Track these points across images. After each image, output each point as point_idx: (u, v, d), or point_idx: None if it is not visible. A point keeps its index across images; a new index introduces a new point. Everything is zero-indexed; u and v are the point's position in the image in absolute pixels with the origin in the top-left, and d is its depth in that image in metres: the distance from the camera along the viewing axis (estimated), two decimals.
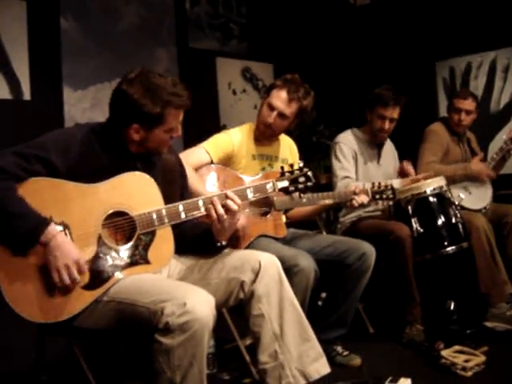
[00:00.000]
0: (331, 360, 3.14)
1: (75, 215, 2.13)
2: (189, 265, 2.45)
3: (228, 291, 2.32)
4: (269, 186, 2.47)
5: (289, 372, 2.31)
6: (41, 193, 2.10)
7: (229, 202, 2.32)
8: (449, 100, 4.38)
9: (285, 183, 2.50)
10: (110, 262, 2.17)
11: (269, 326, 2.31)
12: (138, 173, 2.29)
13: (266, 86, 3.35)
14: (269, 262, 2.35)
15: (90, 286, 2.13)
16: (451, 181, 3.87)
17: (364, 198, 3.16)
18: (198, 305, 1.98)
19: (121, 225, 2.22)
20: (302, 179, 2.51)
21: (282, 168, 2.54)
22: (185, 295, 2.00)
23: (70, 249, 2.06)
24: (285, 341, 2.32)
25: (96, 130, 2.31)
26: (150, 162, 2.40)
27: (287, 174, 2.52)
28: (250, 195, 2.43)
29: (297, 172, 2.52)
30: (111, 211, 2.20)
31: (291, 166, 2.54)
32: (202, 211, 2.32)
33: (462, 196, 3.96)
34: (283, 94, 3.13)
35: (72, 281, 2.06)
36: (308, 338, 2.38)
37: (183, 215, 2.29)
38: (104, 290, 2.15)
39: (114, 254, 2.19)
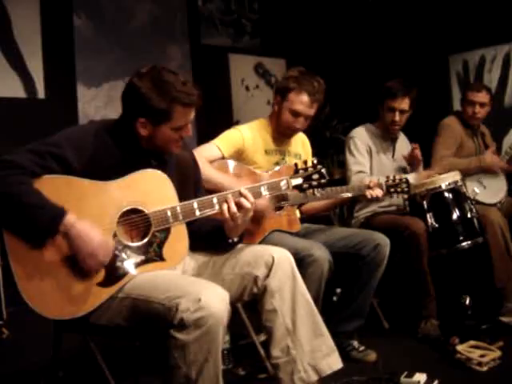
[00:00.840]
0: (347, 355, 3.14)
1: (90, 212, 2.13)
2: (202, 261, 2.46)
3: (242, 286, 2.34)
4: (283, 184, 2.47)
5: (301, 367, 2.32)
6: (56, 190, 2.10)
7: (242, 200, 2.32)
8: (462, 93, 4.36)
9: (299, 180, 2.50)
10: (125, 258, 2.18)
11: (281, 320, 2.32)
12: (152, 170, 2.29)
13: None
14: (282, 257, 2.36)
15: (105, 283, 2.14)
16: (465, 174, 3.85)
17: (378, 192, 3.16)
18: (212, 300, 1.99)
19: (136, 222, 2.23)
20: (315, 176, 2.51)
21: (296, 165, 2.54)
22: (199, 291, 2.01)
23: (90, 235, 2.07)
24: (297, 335, 2.33)
25: (109, 127, 2.31)
26: (164, 159, 2.40)
27: (301, 171, 2.51)
28: (264, 192, 2.43)
29: (311, 169, 2.51)
30: (126, 208, 2.20)
31: (305, 162, 2.54)
32: (217, 209, 2.32)
33: (476, 190, 3.94)
34: (304, 97, 3.12)
35: (100, 266, 2.09)
36: (321, 333, 2.38)
37: (198, 212, 2.29)
38: (119, 286, 2.16)
39: (128, 251, 2.19)
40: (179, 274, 2.32)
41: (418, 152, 3.78)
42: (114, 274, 2.15)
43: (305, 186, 2.52)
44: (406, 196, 3.30)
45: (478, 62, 5.60)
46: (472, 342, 3.13)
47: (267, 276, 2.32)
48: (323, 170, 2.53)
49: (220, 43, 5.66)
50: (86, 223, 2.08)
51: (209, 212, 2.32)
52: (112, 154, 2.25)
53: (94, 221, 2.13)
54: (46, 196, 2.06)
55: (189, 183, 2.50)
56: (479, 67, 5.59)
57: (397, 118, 3.76)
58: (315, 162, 2.53)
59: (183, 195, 2.35)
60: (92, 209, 2.14)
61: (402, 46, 5.87)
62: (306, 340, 2.34)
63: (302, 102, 3.14)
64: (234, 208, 2.31)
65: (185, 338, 1.98)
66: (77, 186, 2.14)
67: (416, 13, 5.80)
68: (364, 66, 6.05)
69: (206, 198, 2.33)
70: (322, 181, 2.52)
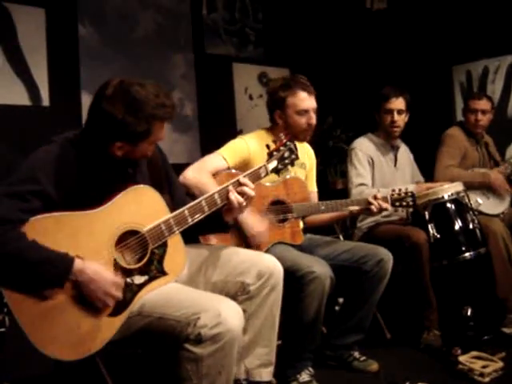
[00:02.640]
0: (348, 365, 3.14)
1: (87, 246, 2.09)
2: (195, 268, 2.46)
3: (232, 293, 2.36)
4: (262, 171, 2.51)
5: (239, 367, 2.39)
6: (47, 232, 2.04)
7: (245, 189, 2.36)
8: (464, 102, 4.37)
9: (274, 163, 2.54)
10: (130, 283, 2.17)
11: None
12: (135, 187, 2.23)
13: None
14: (275, 270, 2.41)
15: (115, 313, 2.13)
16: (469, 187, 3.86)
17: (385, 205, 3.15)
18: (230, 316, 2.02)
19: (133, 244, 2.20)
20: (286, 154, 2.55)
21: (268, 147, 2.57)
22: (217, 307, 2.03)
23: (102, 275, 2.06)
24: (248, 337, 2.39)
25: (77, 144, 2.21)
26: (138, 164, 2.36)
27: (275, 153, 2.54)
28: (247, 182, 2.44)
29: (282, 148, 2.55)
30: (121, 233, 2.17)
31: (274, 142, 2.60)
32: (206, 211, 2.32)
33: (479, 201, 3.94)
34: (301, 94, 3.17)
35: (114, 302, 2.09)
36: (269, 346, 2.44)
37: (190, 219, 2.28)
38: (130, 311, 2.15)
39: (132, 274, 2.19)
40: (191, 289, 2.30)
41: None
42: (122, 301, 2.14)
43: (280, 167, 2.55)
44: (411, 210, 3.30)
45: (481, 73, 5.59)
46: (474, 353, 3.14)
47: (255, 284, 2.35)
48: (292, 146, 2.56)
49: (224, 52, 5.67)
50: (94, 264, 2.06)
51: (200, 216, 2.31)
52: (89, 175, 2.19)
53: (91, 255, 2.09)
54: (43, 246, 2.00)
55: (159, 172, 2.47)
56: (482, 78, 5.59)
57: (395, 117, 3.80)
58: (283, 139, 2.57)
59: (157, 184, 2.34)
60: (87, 242, 2.10)
61: (405, 56, 5.88)
62: (254, 344, 2.40)
63: (302, 99, 3.17)
64: (240, 197, 2.34)
65: (200, 351, 1.99)
66: (66, 221, 2.08)
67: (420, 23, 5.81)
68: (367, 75, 6.05)
69: (194, 203, 2.32)
70: (293, 156, 2.56)
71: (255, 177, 2.48)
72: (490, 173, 4.10)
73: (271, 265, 2.41)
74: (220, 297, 2.18)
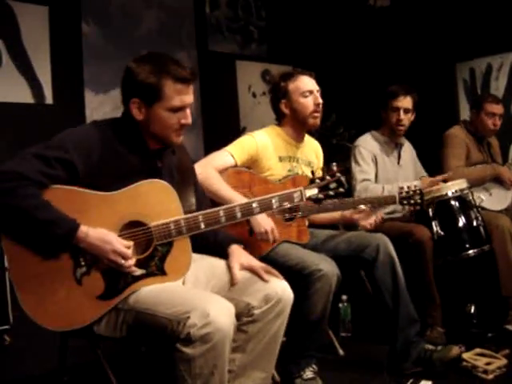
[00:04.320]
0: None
1: (92, 225, 2.08)
2: (201, 278, 2.38)
3: (236, 312, 2.23)
4: (296, 195, 2.38)
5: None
6: (58, 203, 2.05)
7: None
8: (476, 103, 4.31)
9: (314, 191, 2.38)
10: (126, 272, 2.14)
11: (239, 356, 2.29)
12: (157, 181, 2.22)
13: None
14: (285, 295, 2.31)
15: (104, 296, 2.12)
16: (480, 182, 3.86)
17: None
18: (219, 316, 1.98)
19: (137, 235, 2.18)
20: (333, 185, 2.37)
21: (313, 173, 2.49)
22: (207, 306, 1.99)
23: (106, 238, 2.07)
24: (246, 359, 2.30)
25: (114, 127, 2.25)
26: (168, 162, 2.36)
27: (317, 181, 2.39)
28: (276, 205, 2.36)
29: (328, 178, 2.38)
30: (128, 221, 2.16)
31: (323, 170, 2.46)
32: (223, 222, 2.26)
33: (482, 197, 3.93)
34: (304, 78, 3.17)
35: (128, 259, 2.08)
36: (266, 371, 2.35)
37: (203, 226, 2.23)
38: (119, 300, 2.14)
39: None
40: (184, 287, 2.28)
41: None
42: (114, 287, 2.13)
43: (320, 196, 2.39)
44: (418, 208, 3.26)
45: (484, 70, 5.59)
46: (478, 350, 3.13)
47: (260, 308, 2.26)
48: (342, 179, 2.38)
49: (227, 50, 5.68)
50: (98, 229, 2.07)
51: (215, 227, 2.27)
52: (119, 159, 2.19)
53: None
54: (55, 208, 2.03)
55: (189, 185, 2.45)
56: (486, 75, 5.58)
57: (402, 116, 3.79)
58: (334, 168, 2.41)
59: (184, 196, 2.33)
60: (94, 221, 2.09)
61: (408, 53, 5.87)
62: (251, 367, 2.31)
63: (304, 82, 3.17)
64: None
65: (191, 352, 1.97)
66: (79, 198, 2.10)
67: (423, 21, 5.80)
68: (370, 73, 6.05)
69: (211, 210, 2.27)
70: (340, 189, 2.38)
71: (288, 199, 2.38)
72: (498, 166, 4.12)
73: (280, 290, 2.29)
74: (212, 295, 2.13)
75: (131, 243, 2.12)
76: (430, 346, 3.12)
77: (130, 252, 2.09)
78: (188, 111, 2.24)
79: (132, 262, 2.11)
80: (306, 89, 3.15)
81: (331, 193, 2.37)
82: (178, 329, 1.98)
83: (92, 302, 2.10)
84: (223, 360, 2.02)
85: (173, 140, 2.27)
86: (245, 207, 2.30)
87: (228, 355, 2.05)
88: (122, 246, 2.08)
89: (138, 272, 2.16)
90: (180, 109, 2.20)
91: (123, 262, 2.08)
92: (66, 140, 2.13)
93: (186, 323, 1.96)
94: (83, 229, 2.04)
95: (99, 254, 2.07)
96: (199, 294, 2.19)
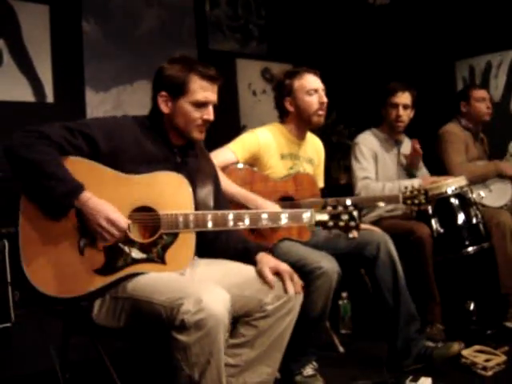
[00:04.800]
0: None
1: (105, 199, 2.15)
2: (217, 277, 2.39)
3: (247, 309, 2.32)
4: (305, 216, 2.44)
5: (239, 377, 2.34)
6: (77, 173, 2.13)
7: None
8: (463, 95, 4.34)
9: (324, 216, 2.43)
10: (127, 252, 2.20)
11: (246, 351, 2.33)
12: (175, 173, 2.31)
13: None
14: (297, 299, 2.39)
15: (102, 271, 2.17)
16: (484, 179, 3.88)
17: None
18: (213, 302, 2.01)
19: (146, 220, 2.25)
20: (345, 217, 2.42)
21: (326, 202, 2.51)
22: (200, 292, 2.02)
23: (105, 205, 2.12)
24: (253, 354, 2.34)
25: (140, 120, 2.40)
26: (188, 161, 2.45)
27: (329, 208, 2.45)
28: (284, 221, 2.42)
29: (340, 208, 2.43)
30: (140, 205, 2.23)
31: (337, 200, 2.48)
32: (231, 225, 2.33)
33: (482, 194, 3.95)
34: (309, 76, 3.21)
35: (119, 230, 2.12)
36: (271, 366, 2.39)
37: (210, 224, 2.30)
38: (114, 278, 2.18)
39: (132, 246, 2.21)
40: (181, 277, 2.31)
41: (418, 147, 3.80)
42: (113, 263, 2.18)
43: (330, 224, 2.44)
44: (423, 208, 3.23)
45: (484, 68, 5.59)
46: (477, 347, 3.15)
47: (273, 304, 2.32)
48: (355, 213, 2.42)
49: (227, 48, 5.68)
50: (101, 200, 2.12)
51: (222, 228, 2.34)
52: (140, 145, 2.30)
53: None
54: (65, 167, 2.11)
55: (208, 190, 2.51)
56: (485, 73, 5.58)
57: (401, 112, 3.82)
58: (348, 203, 2.44)
59: (200, 201, 2.41)
60: (107, 198, 2.16)
61: (408, 51, 5.88)
62: (258, 361, 2.35)
63: (309, 80, 3.20)
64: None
65: (186, 339, 1.99)
66: (98, 172, 2.19)
67: (422, 19, 5.80)
68: (370, 71, 6.06)
69: (220, 212, 2.34)
70: (352, 223, 2.43)
71: (296, 218, 2.44)
72: (500, 162, 4.15)
73: (291, 289, 2.36)
74: (207, 284, 2.16)
75: (130, 221, 2.17)
76: (431, 343, 3.13)
77: (124, 224, 2.12)
78: (211, 108, 2.38)
79: (121, 234, 2.14)
80: (312, 87, 3.17)
81: (341, 223, 2.42)
82: (173, 315, 2.01)
83: (89, 274, 2.15)
84: (218, 347, 2.03)
85: (194, 135, 2.40)
86: (254, 216, 2.38)
87: (223, 343, 2.06)
88: (117, 215, 2.12)
89: (139, 255, 2.21)
90: (203, 104, 2.36)
91: (113, 230, 2.11)
92: (91, 121, 2.35)
93: (179, 309, 1.99)
94: (87, 193, 2.10)
95: (93, 219, 2.10)
96: (195, 282, 2.23)
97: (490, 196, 4.04)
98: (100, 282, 2.17)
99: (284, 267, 2.40)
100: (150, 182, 2.26)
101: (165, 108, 2.35)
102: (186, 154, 2.45)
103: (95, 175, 2.18)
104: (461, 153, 4.12)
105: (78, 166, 2.16)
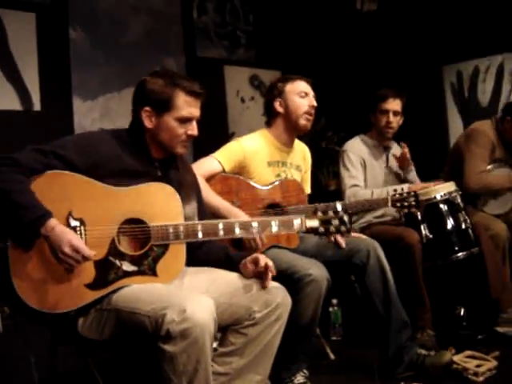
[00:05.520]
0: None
1: (94, 214, 2.16)
2: (204, 287, 2.37)
3: (236, 317, 2.30)
4: (296, 223, 2.44)
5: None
6: (66, 187, 2.14)
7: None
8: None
9: (315, 223, 2.44)
10: (118, 266, 2.19)
11: (236, 359, 2.31)
12: (164, 184, 2.30)
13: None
14: (285, 304, 2.37)
15: (92, 286, 2.15)
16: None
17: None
18: (197, 310, 1.99)
19: (136, 232, 2.24)
20: (334, 222, 2.43)
21: (316, 206, 2.50)
22: (184, 301, 2.01)
23: (67, 236, 2.07)
24: (242, 362, 2.32)
25: (120, 134, 2.37)
26: (169, 174, 2.42)
27: (319, 214, 2.45)
28: (275, 228, 2.42)
29: (330, 213, 2.44)
30: (129, 217, 2.22)
31: (327, 206, 2.48)
32: (221, 235, 2.33)
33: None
34: (300, 82, 3.22)
35: (76, 261, 2.08)
36: (260, 374, 2.37)
37: (200, 235, 2.30)
38: (106, 292, 2.17)
39: (123, 259, 2.20)
40: (164, 286, 2.28)
41: (406, 151, 3.80)
42: (103, 278, 2.17)
43: (321, 229, 2.45)
44: (413, 210, 3.20)
45: (471, 73, 5.62)
46: (468, 352, 3.14)
47: (261, 312, 2.30)
48: (345, 218, 2.43)
49: (215, 55, 5.68)
50: (66, 229, 2.10)
51: (212, 238, 2.34)
52: (120, 160, 2.28)
53: (95, 223, 2.17)
54: (34, 195, 2.08)
55: (191, 201, 2.48)
56: (473, 78, 5.61)
57: (391, 118, 3.81)
58: (339, 208, 2.45)
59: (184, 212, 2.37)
60: (96, 211, 2.17)
61: (395, 56, 5.91)
62: (248, 369, 2.33)
63: (301, 85, 3.21)
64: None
65: (172, 349, 1.98)
66: (87, 186, 2.18)
67: (410, 24, 5.83)
68: (358, 76, 6.08)
69: (210, 222, 2.35)
70: (342, 228, 2.44)
71: (287, 225, 2.44)
72: None
73: (280, 295, 2.36)
74: (190, 293, 2.15)
75: (94, 252, 2.12)
76: (423, 351, 3.12)
77: (87, 250, 2.08)
78: (195, 124, 2.37)
79: (85, 261, 2.10)
80: (303, 90, 3.19)
81: (332, 229, 2.43)
82: (158, 325, 2.00)
83: (79, 289, 2.14)
84: (206, 355, 2.02)
85: (178, 150, 2.39)
86: (244, 225, 2.38)
87: (210, 350, 2.05)
88: (81, 243, 2.09)
89: (130, 268, 2.20)
90: (188, 120, 2.35)
91: (78, 256, 2.07)
92: (65, 141, 2.26)
93: (164, 319, 1.98)
94: (54, 221, 2.08)
95: (57, 246, 2.06)
96: (178, 291, 2.22)
97: (492, 203, 4.01)
98: (91, 296, 2.15)
99: (263, 259, 2.37)
100: (140, 193, 2.24)
101: (148, 123, 2.32)
102: (167, 166, 2.43)
103: (84, 188, 2.17)
104: (484, 159, 3.97)
105: (67, 180, 2.15)
